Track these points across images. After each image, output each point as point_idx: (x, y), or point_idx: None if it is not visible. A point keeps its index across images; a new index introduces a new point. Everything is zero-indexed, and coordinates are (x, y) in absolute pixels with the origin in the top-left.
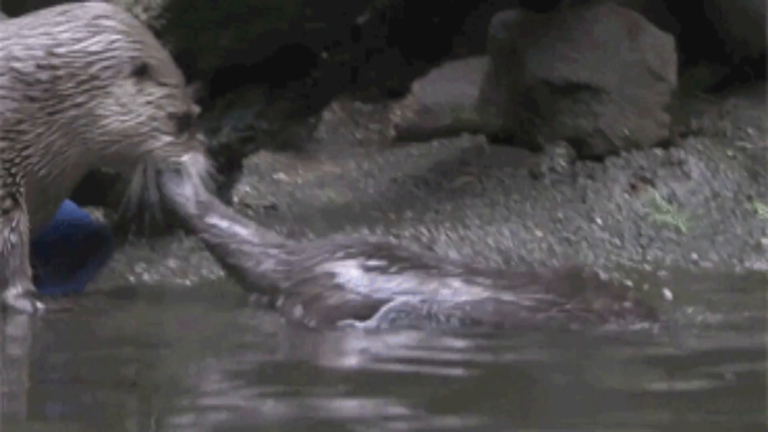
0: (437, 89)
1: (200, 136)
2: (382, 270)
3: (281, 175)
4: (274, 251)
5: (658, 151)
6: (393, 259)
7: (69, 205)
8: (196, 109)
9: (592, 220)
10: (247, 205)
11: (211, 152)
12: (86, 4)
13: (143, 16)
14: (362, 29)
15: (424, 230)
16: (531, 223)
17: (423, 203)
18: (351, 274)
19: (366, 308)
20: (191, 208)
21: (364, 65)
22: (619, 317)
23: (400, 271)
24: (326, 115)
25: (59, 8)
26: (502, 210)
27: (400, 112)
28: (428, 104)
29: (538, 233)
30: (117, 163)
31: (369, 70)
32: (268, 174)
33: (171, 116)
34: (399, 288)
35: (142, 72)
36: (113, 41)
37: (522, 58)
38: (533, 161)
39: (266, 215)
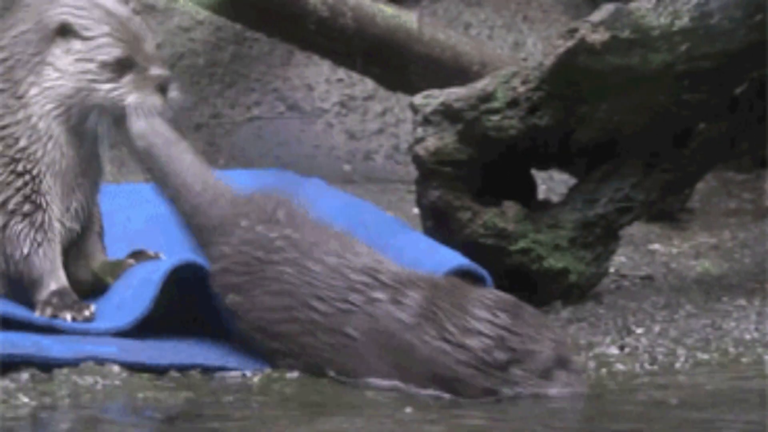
0: None
1: (155, 70)
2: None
3: (656, 246)
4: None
5: None
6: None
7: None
8: (137, 50)
9: None
10: (623, 276)
11: (165, 84)
12: None
13: (521, 89)
14: (739, 100)
15: None
16: None
17: None
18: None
19: None
20: (146, 154)
21: (739, 135)
22: None
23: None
24: (699, 184)
25: None
26: None
27: None
28: None
29: None
30: (87, 124)
31: (742, 139)
32: (642, 244)
33: (102, 64)
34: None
35: (64, 31)
36: (40, 12)
37: None
38: None
39: (642, 285)
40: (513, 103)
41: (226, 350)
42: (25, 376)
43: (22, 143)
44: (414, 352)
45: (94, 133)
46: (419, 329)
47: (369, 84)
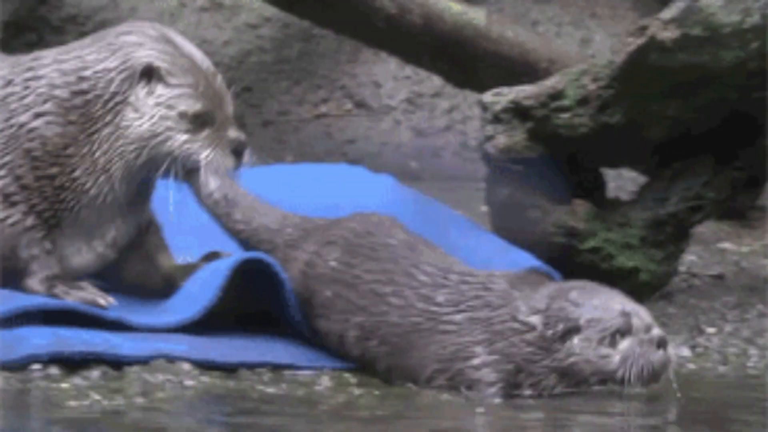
0: None
1: (233, 133)
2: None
3: (726, 244)
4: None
5: None
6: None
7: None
8: (218, 108)
9: None
10: (694, 275)
11: (240, 148)
12: (124, 24)
13: (591, 86)
14: None
15: None
16: None
17: None
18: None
19: None
20: (214, 208)
21: None
22: None
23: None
24: None
25: (96, 33)
26: None
27: None
28: None
29: None
30: (154, 170)
31: None
32: (713, 243)
33: (182, 115)
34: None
35: (149, 75)
36: (128, 53)
37: None
38: None
39: (713, 284)
40: (583, 101)
41: (297, 349)
42: (96, 373)
43: (77, 174)
44: (490, 327)
45: (153, 174)
46: (498, 309)
47: (436, 81)
